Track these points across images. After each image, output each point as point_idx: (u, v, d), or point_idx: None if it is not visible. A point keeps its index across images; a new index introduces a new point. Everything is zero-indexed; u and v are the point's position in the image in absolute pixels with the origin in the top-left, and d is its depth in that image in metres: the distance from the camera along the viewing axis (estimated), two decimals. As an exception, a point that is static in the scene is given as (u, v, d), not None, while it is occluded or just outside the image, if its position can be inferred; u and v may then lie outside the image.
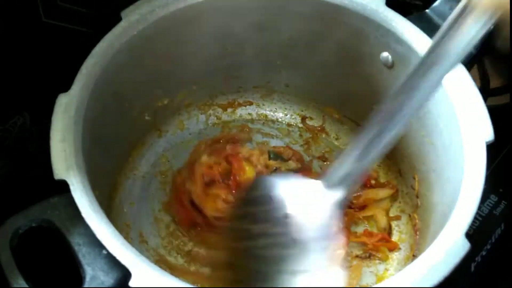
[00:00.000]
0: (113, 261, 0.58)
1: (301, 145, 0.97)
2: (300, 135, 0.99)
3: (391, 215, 0.89)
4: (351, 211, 0.87)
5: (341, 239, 0.68)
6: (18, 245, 0.60)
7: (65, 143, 0.63)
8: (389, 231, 0.88)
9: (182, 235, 0.84)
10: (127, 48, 0.75)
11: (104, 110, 0.75)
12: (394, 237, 0.87)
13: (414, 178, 0.85)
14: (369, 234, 0.85)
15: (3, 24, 0.86)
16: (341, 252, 0.70)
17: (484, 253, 0.89)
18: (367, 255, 0.85)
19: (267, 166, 0.89)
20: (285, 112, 1.00)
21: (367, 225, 0.87)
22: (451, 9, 0.79)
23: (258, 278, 0.66)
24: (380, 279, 0.82)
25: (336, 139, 0.99)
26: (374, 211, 0.87)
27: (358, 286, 0.80)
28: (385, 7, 0.77)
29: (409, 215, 0.87)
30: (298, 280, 0.62)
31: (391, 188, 0.89)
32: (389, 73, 0.81)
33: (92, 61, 0.71)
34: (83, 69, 0.70)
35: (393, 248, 0.85)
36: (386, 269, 0.84)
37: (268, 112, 1.00)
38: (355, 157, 0.61)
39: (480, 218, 0.91)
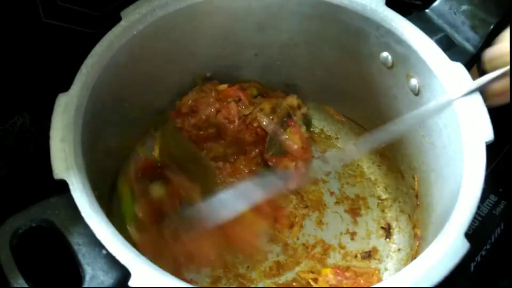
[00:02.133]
0: (112, 261, 0.58)
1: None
2: (300, 135, 0.99)
3: (390, 214, 0.90)
4: None
5: None
6: (18, 245, 0.60)
7: (65, 143, 0.63)
8: (388, 231, 0.88)
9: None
10: (127, 48, 0.75)
11: (104, 110, 0.75)
12: (394, 237, 0.87)
13: (414, 178, 0.85)
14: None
15: (2, 24, 0.86)
16: None
17: (483, 253, 0.89)
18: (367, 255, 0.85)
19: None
20: (285, 112, 1.00)
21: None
22: (451, 9, 0.79)
23: None
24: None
25: (336, 139, 0.99)
26: None
27: (357, 286, 0.80)
28: (385, 7, 0.77)
29: (409, 215, 0.88)
30: None
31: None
32: (389, 73, 0.81)
33: (92, 61, 0.71)
34: (83, 69, 0.70)
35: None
36: (386, 269, 0.84)
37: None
38: None
39: (479, 218, 0.91)
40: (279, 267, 0.84)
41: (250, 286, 0.82)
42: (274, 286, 0.82)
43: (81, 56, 0.71)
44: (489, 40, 0.77)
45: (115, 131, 0.81)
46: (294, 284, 0.83)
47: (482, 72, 0.85)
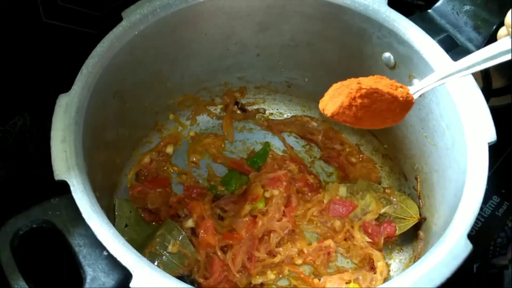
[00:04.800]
0: (114, 262, 0.57)
1: (303, 146, 0.97)
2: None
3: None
4: None
5: None
6: (18, 246, 0.60)
7: (66, 144, 0.63)
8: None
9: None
10: (128, 48, 0.74)
11: (105, 110, 0.75)
12: (397, 238, 0.87)
13: (416, 179, 0.85)
14: None
15: (3, 24, 0.86)
16: None
17: (486, 254, 0.89)
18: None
19: None
20: (287, 113, 1.00)
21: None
22: (454, 9, 0.79)
23: None
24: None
25: (338, 139, 0.99)
26: None
27: (359, 287, 0.80)
28: (387, 7, 0.77)
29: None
30: None
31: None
32: (391, 73, 0.80)
33: (93, 61, 0.70)
34: (83, 69, 0.69)
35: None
36: (388, 270, 0.84)
37: (269, 112, 1.00)
38: None
39: (482, 219, 0.91)
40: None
41: (250, 283, 0.81)
42: (274, 285, 0.82)
43: (82, 56, 0.70)
44: (492, 40, 0.77)
45: (115, 132, 0.81)
46: (294, 282, 0.83)
47: (485, 73, 0.85)
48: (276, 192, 0.86)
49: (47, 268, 0.73)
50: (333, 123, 0.97)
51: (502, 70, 0.95)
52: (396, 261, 0.85)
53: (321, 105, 0.64)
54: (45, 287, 0.65)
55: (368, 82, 0.61)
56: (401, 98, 0.61)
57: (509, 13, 0.57)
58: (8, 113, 0.93)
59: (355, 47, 0.82)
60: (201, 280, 0.79)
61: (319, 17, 0.81)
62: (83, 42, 0.77)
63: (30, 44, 0.90)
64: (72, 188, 0.60)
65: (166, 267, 0.77)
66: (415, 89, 0.63)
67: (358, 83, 0.60)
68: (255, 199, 0.85)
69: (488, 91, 0.93)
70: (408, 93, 0.62)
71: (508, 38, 0.57)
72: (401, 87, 0.62)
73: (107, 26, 0.74)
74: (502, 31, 0.59)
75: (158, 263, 0.77)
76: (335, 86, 0.64)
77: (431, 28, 0.77)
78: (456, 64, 0.60)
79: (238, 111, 0.99)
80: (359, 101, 0.60)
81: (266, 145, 0.96)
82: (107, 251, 0.57)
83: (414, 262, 0.77)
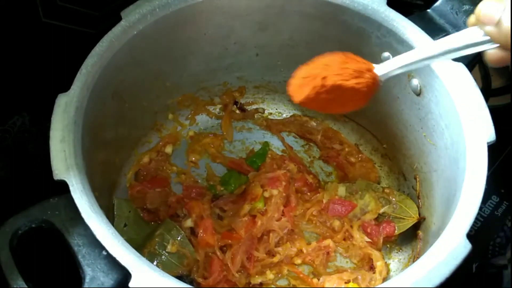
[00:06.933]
0: (113, 262, 0.57)
1: (302, 146, 0.97)
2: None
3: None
4: None
5: None
6: (18, 245, 0.60)
7: (65, 144, 0.63)
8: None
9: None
10: (127, 48, 0.74)
11: (104, 110, 0.75)
12: (396, 238, 0.87)
13: (416, 179, 0.85)
14: None
15: (2, 24, 0.86)
16: None
17: (485, 254, 0.89)
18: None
19: None
20: (286, 113, 1.00)
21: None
22: (452, 9, 0.79)
23: None
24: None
25: (337, 139, 0.99)
26: None
27: (358, 286, 0.80)
28: (386, 7, 0.77)
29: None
30: None
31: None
32: (390, 72, 0.80)
33: (92, 61, 0.70)
34: (83, 69, 0.69)
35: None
36: (388, 270, 0.84)
37: (269, 112, 1.00)
38: None
39: (481, 219, 0.91)
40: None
41: (249, 283, 0.82)
42: (273, 285, 0.82)
43: (81, 56, 0.70)
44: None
45: (115, 131, 0.81)
46: (293, 282, 0.83)
47: (484, 72, 0.85)
48: (275, 191, 0.86)
49: (46, 267, 0.73)
50: (332, 123, 0.98)
51: (501, 70, 0.95)
52: (395, 261, 0.85)
53: (290, 90, 0.66)
54: (44, 286, 0.65)
55: (333, 68, 0.63)
56: (365, 89, 0.63)
57: (480, 4, 0.57)
58: (7, 112, 0.93)
59: (354, 47, 0.82)
60: (200, 280, 0.79)
61: (318, 16, 0.81)
62: (82, 42, 0.77)
63: (29, 43, 0.90)
64: (71, 188, 0.60)
65: (165, 267, 0.77)
66: (383, 70, 0.65)
67: (323, 77, 0.62)
68: (254, 198, 0.85)
69: (487, 91, 0.93)
70: (374, 78, 0.64)
71: (476, 28, 0.57)
72: (368, 70, 0.64)
73: (106, 26, 0.74)
74: (471, 19, 0.59)
75: (157, 262, 0.77)
76: (302, 73, 0.66)
77: (430, 27, 0.77)
78: (417, 51, 0.63)
79: (237, 111, 0.99)
80: (323, 95, 0.63)
81: (265, 144, 0.96)
82: (106, 251, 0.57)
83: (413, 261, 0.77)
